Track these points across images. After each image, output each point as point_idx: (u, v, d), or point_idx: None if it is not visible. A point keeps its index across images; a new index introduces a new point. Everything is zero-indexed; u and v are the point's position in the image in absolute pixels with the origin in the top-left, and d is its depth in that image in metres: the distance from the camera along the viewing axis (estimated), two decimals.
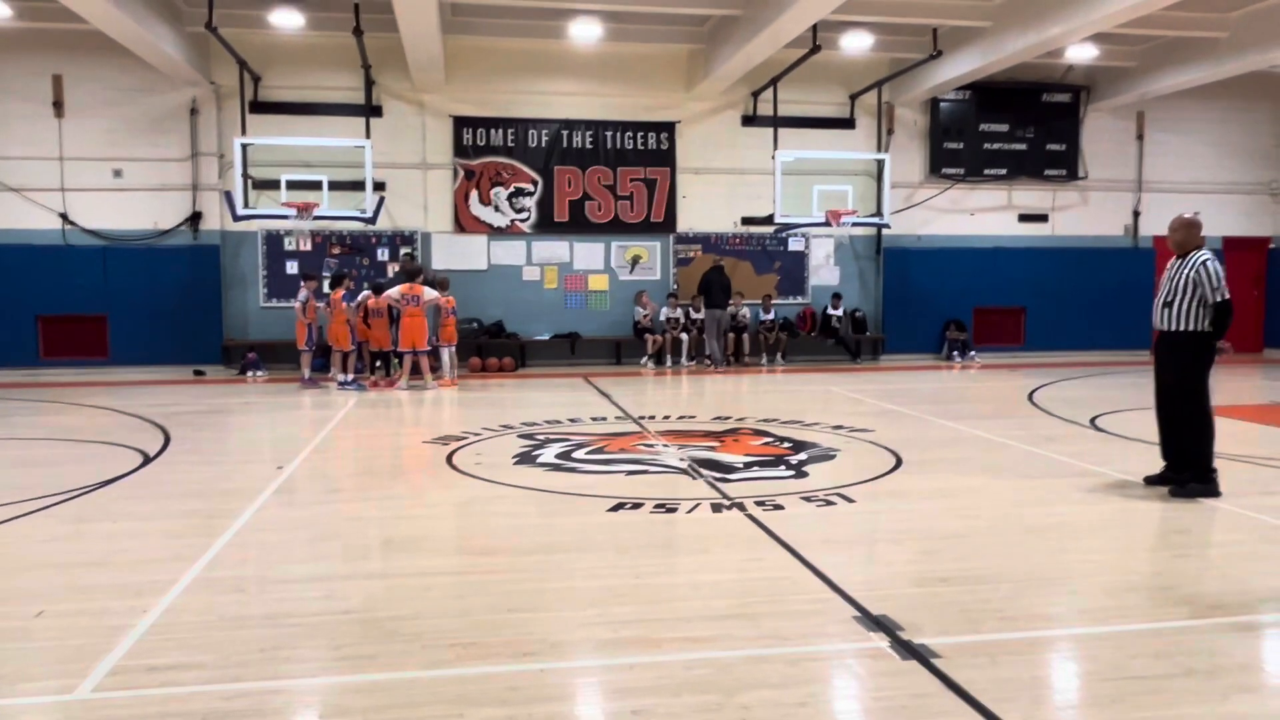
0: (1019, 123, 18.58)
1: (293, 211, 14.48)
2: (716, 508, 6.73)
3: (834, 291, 18.16)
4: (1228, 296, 6.99)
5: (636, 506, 6.74)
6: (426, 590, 4.96)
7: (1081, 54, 16.67)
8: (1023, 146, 18.64)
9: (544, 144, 17.41)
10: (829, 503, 6.91)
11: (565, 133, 17.46)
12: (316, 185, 14.72)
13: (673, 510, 6.66)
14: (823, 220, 16.27)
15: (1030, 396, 13.07)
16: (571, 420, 10.84)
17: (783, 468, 8.17)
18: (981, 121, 18.44)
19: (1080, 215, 19.04)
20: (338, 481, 8.04)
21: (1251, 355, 18.90)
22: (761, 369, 17.09)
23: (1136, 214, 19.04)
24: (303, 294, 14.27)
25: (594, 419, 10.96)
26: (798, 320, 18.15)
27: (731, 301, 17.14)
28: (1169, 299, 7.11)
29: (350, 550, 5.85)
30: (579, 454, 8.78)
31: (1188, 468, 7.23)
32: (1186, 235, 7.13)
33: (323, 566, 5.43)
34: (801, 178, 16.28)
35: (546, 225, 17.49)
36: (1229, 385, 13.95)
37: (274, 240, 16.74)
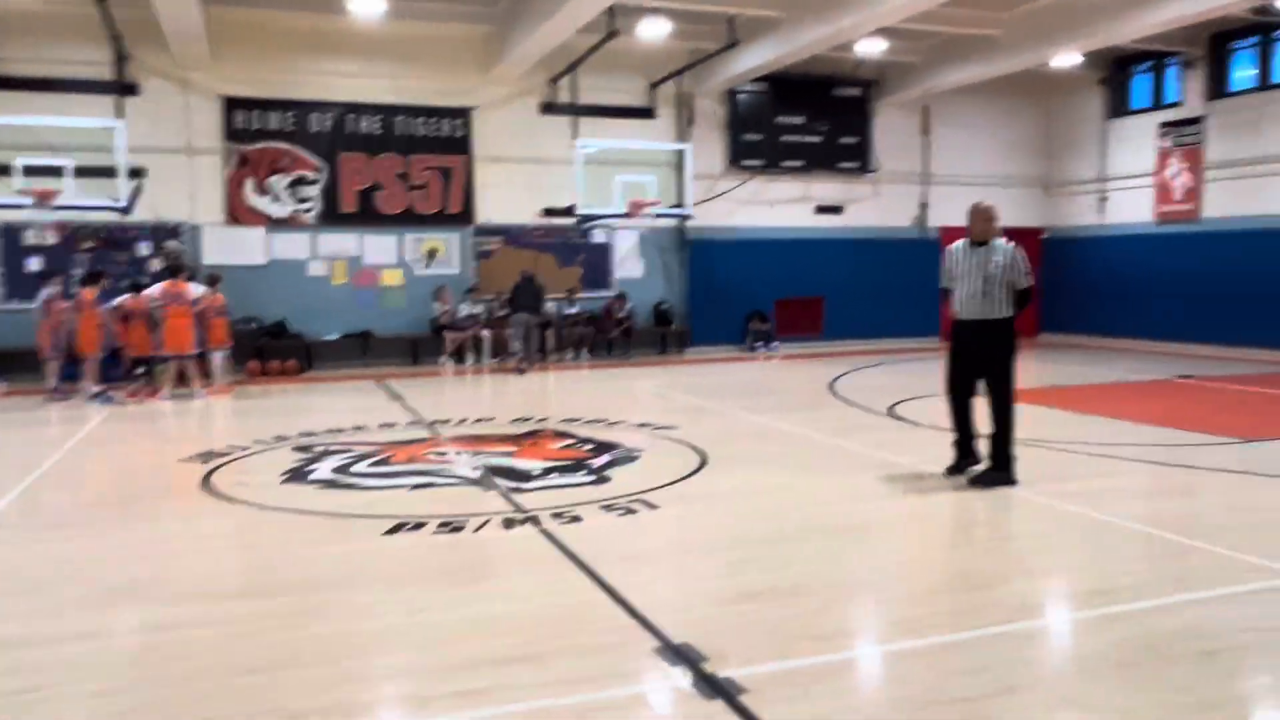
0: (814, 115, 18.86)
1: (29, 200, 12.71)
2: (509, 523, 6.10)
3: (619, 292, 17.81)
4: (1032, 282, 7.09)
5: (418, 527, 6.02)
6: (146, 652, 4.09)
7: (870, 48, 17.02)
8: (818, 139, 18.93)
9: (327, 129, 16.18)
10: (631, 511, 6.42)
11: (351, 117, 16.29)
12: (60, 171, 13.00)
13: (459, 529, 5.98)
14: (625, 212, 15.90)
15: (831, 386, 13.15)
16: (356, 428, 9.92)
17: (583, 473, 7.63)
18: (778, 114, 18.59)
19: (873, 207, 19.56)
20: (60, 514, 6.85)
21: (1028, 340, 19.97)
22: (566, 365, 16.56)
23: (924, 206, 19.75)
24: (44, 293, 12.56)
25: (382, 426, 10.08)
26: (603, 314, 17.72)
27: (545, 308, 16.50)
28: (984, 288, 7.05)
29: (57, 602, 4.83)
30: (359, 467, 7.93)
31: (980, 457, 7.23)
32: (988, 224, 7.11)
33: (16, 626, 4.43)
34: (603, 168, 15.84)
35: (332, 216, 16.27)
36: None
37: (11, 234, 14.76)
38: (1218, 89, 17.30)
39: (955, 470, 7.39)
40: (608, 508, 6.48)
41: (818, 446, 8.83)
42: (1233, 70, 17.29)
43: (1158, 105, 18.48)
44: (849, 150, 19.20)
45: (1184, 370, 14.27)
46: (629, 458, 8.25)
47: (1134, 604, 4.51)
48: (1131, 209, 18.58)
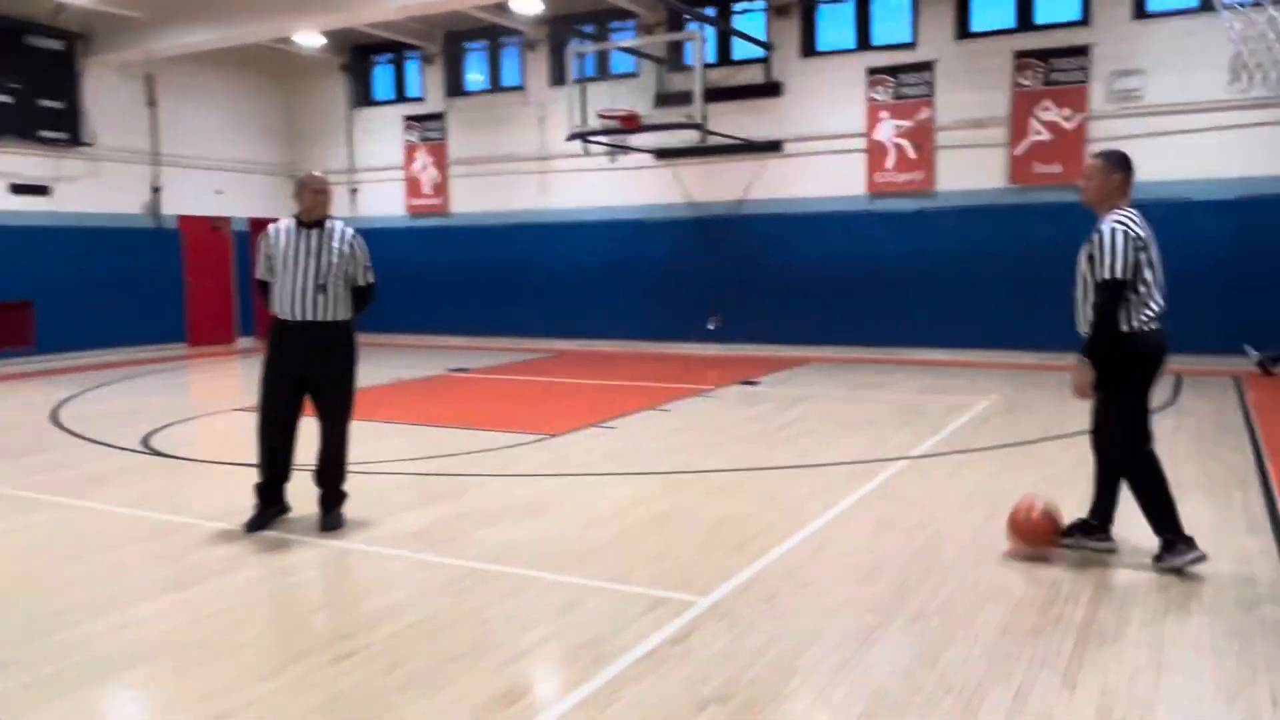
0: (2, 71, 14.68)
1: None
2: None
3: None
4: (374, 279, 5.79)
5: None
6: None
7: None
8: (9, 100, 14.80)
9: None
10: None
11: None
12: None
13: None
14: None
15: (55, 416, 9.97)
16: None
17: None
18: None
19: (91, 188, 15.99)
20: None
21: (223, 346, 17.64)
22: None
23: (157, 190, 16.82)
24: None
25: None
26: None
27: None
28: (317, 282, 5.44)
29: None
30: None
31: (289, 506, 5.61)
32: (320, 198, 5.59)
33: None
34: None
35: None
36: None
37: None
38: (456, 86, 17.74)
39: (260, 524, 5.57)
40: None
41: (50, 514, 6.12)
42: (467, 70, 17.89)
43: (401, 98, 18.35)
44: (53, 117, 15.38)
45: (457, 364, 14.14)
46: None
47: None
48: (385, 202, 18.18)
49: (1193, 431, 8.18)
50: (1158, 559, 4.74)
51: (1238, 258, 12.15)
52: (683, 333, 15.45)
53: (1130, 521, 4.96)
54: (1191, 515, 5.69)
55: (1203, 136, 12.28)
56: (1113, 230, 4.61)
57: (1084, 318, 4.76)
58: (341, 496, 5.70)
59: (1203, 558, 4.65)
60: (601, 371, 13.29)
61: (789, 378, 12.37)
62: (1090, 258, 4.66)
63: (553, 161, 16.51)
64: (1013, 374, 11.87)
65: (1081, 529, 5.03)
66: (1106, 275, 4.56)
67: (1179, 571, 4.63)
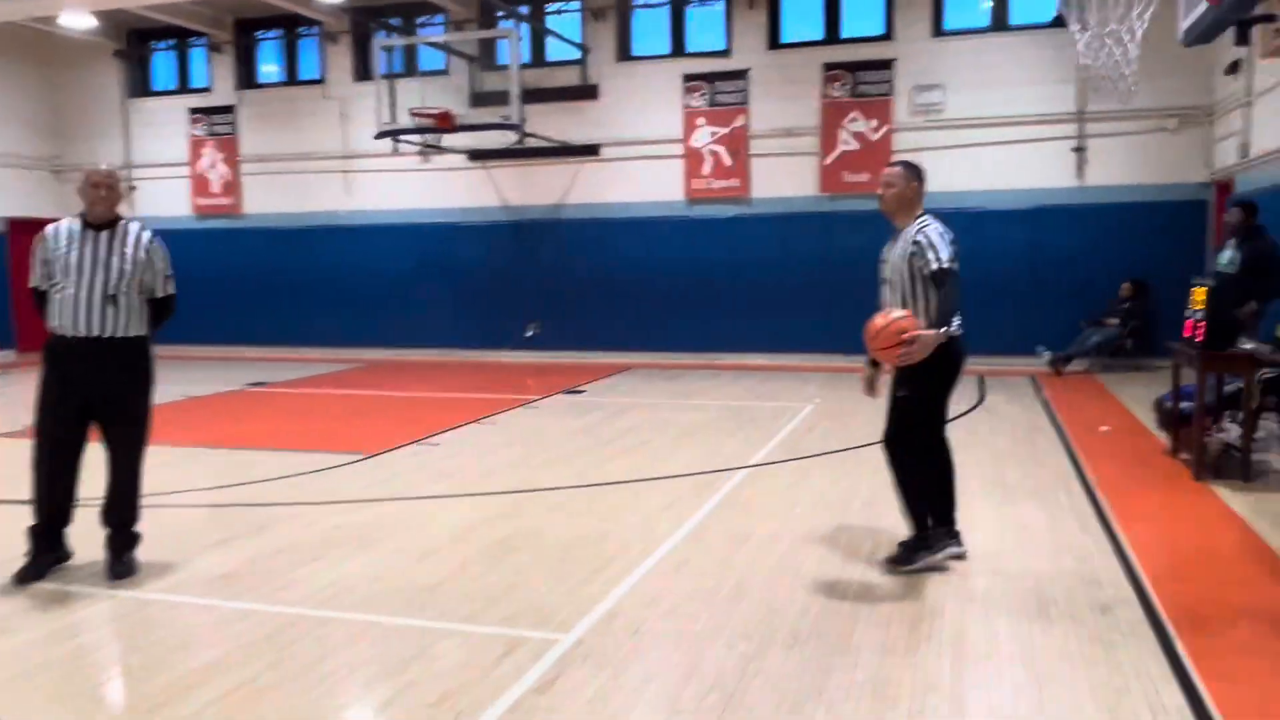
0: None
1: None
2: None
3: None
4: (174, 290, 5.09)
5: None
6: None
7: None
8: None
9: None
10: None
11: None
12: None
13: None
14: None
15: None
16: None
17: None
18: None
19: None
20: None
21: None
22: None
23: None
24: None
25: None
26: None
27: None
28: (105, 289, 4.73)
29: None
30: None
31: (71, 551, 4.90)
32: (114, 194, 4.85)
33: None
34: None
35: None
36: None
37: None
38: (248, 78, 16.51)
39: (35, 574, 4.80)
40: None
41: None
42: (260, 61, 16.69)
43: (185, 89, 16.89)
44: None
45: (256, 377, 13.05)
46: None
47: None
48: (168, 201, 16.60)
49: (1007, 433, 8.51)
50: (909, 555, 4.83)
51: (1029, 264, 12.94)
52: (500, 341, 14.96)
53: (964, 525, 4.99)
54: (1026, 516, 5.85)
55: (997, 150, 13.00)
56: (934, 231, 4.66)
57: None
58: (134, 538, 4.95)
59: (964, 553, 4.90)
60: (417, 383, 12.62)
61: (613, 385, 12.15)
62: (914, 255, 4.64)
63: (358, 160, 15.63)
64: (829, 377, 12.13)
65: (915, 545, 4.91)
66: (945, 264, 4.57)
67: (935, 568, 4.80)
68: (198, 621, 4.34)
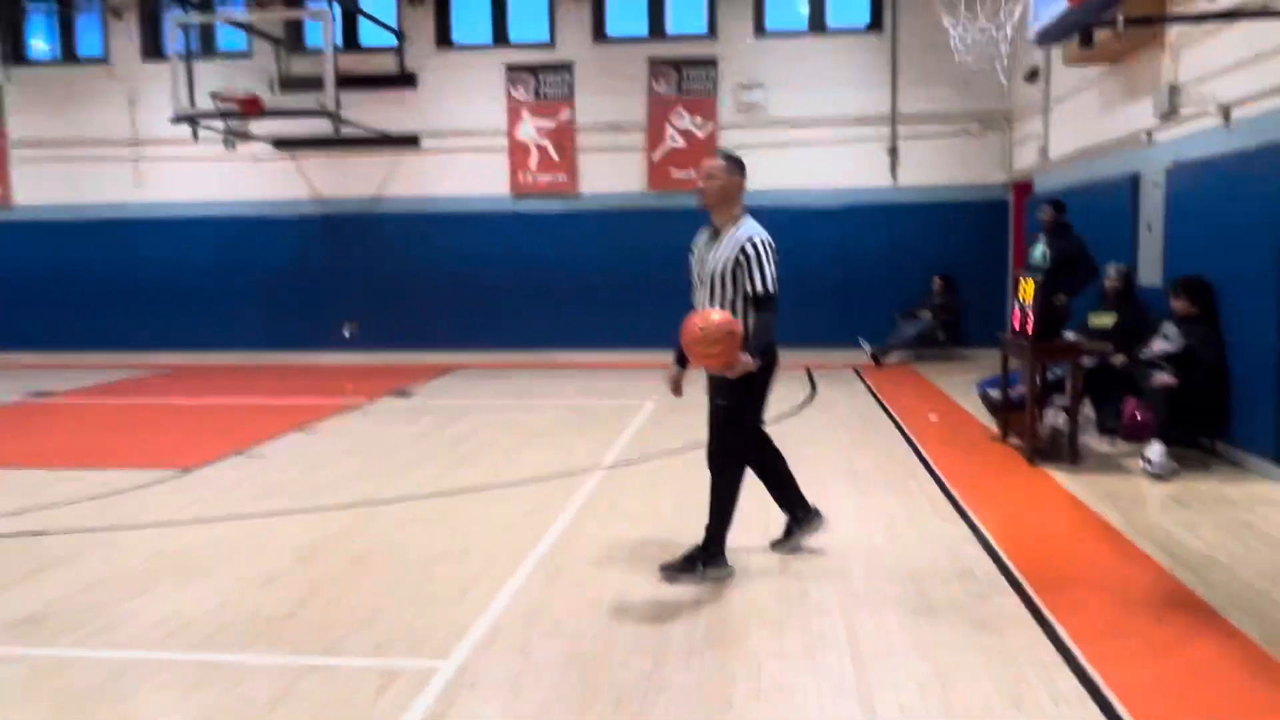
0: None
1: None
2: None
3: None
4: None
5: None
6: None
7: None
8: None
9: None
10: None
11: None
12: None
13: None
14: None
15: None
16: None
17: None
18: None
19: None
20: None
21: None
22: None
23: None
24: None
25: None
26: None
27: None
28: None
29: None
30: None
31: None
32: None
33: None
34: None
35: None
36: None
37: None
38: (16, 54, 14.81)
39: None
40: None
41: None
42: (30, 35, 15.02)
43: None
44: None
45: (37, 386, 11.68)
46: None
47: None
48: None
49: (844, 424, 8.70)
50: (789, 535, 5.05)
51: (846, 261, 13.37)
52: (314, 341, 14.08)
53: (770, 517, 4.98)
54: (885, 505, 5.94)
55: (816, 150, 13.36)
56: (762, 244, 4.55)
57: None
58: None
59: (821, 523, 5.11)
60: (229, 389, 11.67)
61: (441, 387, 11.67)
62: (738, 266, 4.52)
63: (149, 148, 14.32)
64: (664, 373, 12.08)
65: (788, 533, 5.06)
66: (771, 289, 4.52)
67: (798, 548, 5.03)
68: (4, 678, 3.70)
